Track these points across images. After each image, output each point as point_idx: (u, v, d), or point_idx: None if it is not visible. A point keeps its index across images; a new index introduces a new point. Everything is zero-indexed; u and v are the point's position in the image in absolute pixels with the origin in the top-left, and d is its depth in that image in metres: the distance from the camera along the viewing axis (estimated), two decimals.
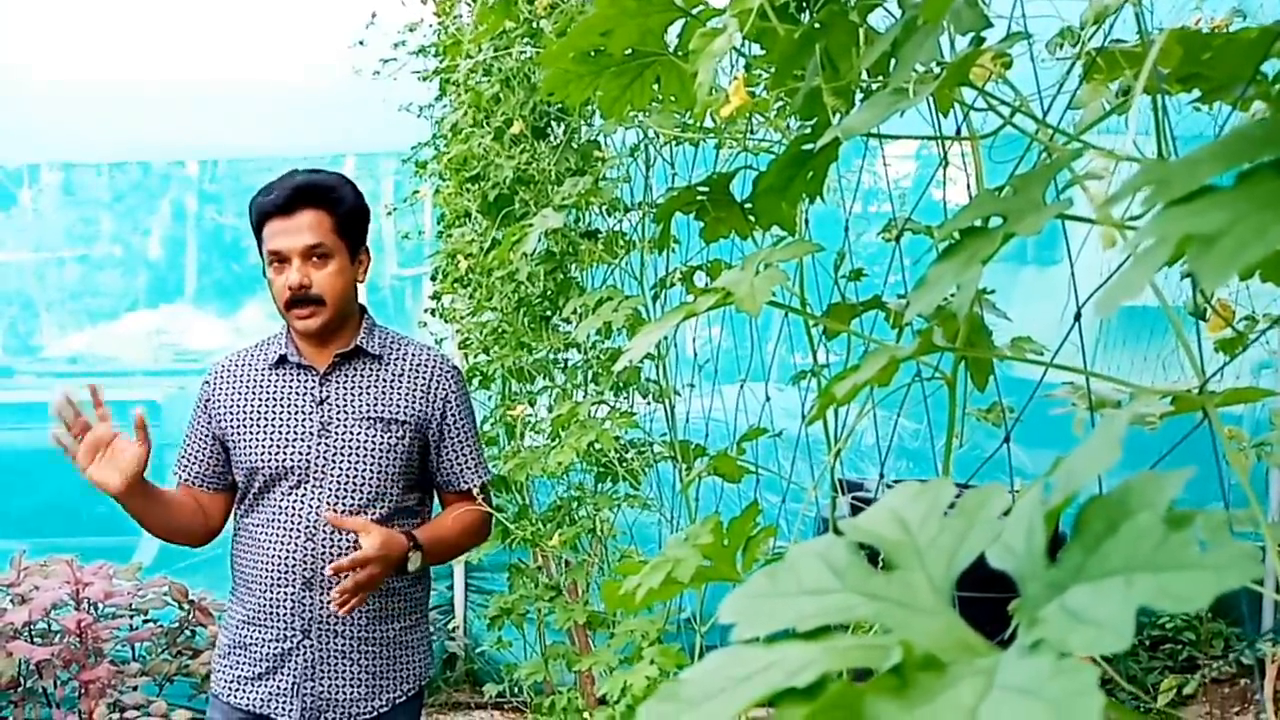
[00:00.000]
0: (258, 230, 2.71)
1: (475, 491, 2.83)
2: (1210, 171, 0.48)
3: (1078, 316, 1.12)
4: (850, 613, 0.55)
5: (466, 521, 2.80)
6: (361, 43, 4.53)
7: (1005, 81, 0.99)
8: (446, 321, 4.41)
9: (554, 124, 2.69)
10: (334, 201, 2.68)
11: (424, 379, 2.78)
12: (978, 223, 0.84)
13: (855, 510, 1.61)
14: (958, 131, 1.13)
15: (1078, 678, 0.42)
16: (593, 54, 1.32)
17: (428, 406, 2.77)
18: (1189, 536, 0.44)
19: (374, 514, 2.70)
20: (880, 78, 1.13)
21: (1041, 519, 0.51)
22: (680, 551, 1.18)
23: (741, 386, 2.26)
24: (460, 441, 2.81)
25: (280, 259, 2.66)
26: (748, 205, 1.33)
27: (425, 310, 4.69)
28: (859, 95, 1.16)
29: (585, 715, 3.02)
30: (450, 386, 2.81)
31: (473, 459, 2.83)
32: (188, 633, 4.96)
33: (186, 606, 4.91)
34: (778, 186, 1.17)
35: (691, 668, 0.56)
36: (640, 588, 1.17)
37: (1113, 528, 0.47)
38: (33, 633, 4.63)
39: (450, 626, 5.94)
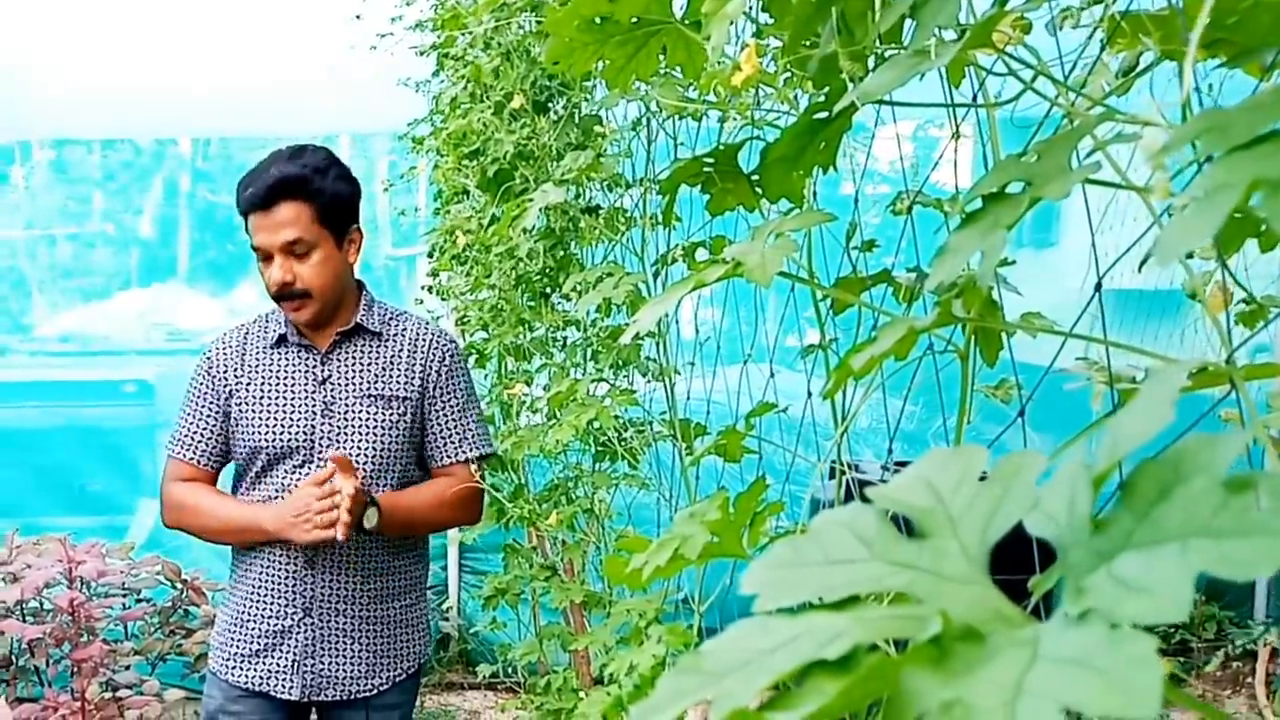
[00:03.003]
0: (244, 218, 2.69)
1: (460, 465, 2.81)
2: (1271, 117, 0.46)
3: (1098, 287, 1.10)
4: (880, 583, 0.53)
5: (443, 492, 2.78)
6: (358, 17, 4.49)
7: (1026, 47, 0.97)
8: (443, 299, 4.38)
9: (555, 98, 2.66)
10: (313, 192, 2.63)
11: (421, 353, 2.77)
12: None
13: (850, 491, 1.59)
14: (974, 99, 1.11)
15: (1135, 647, 0.39)
16: (598, 22, 1.29)
17: (425, 381, 2.76)
18: (1250, 501, 0.42)
19: (378, 490, 2.69)
20: (894, 45, 1.10)
21: (1085, 485, 0.49)
22: (688, 528, 1.16)
23: (745, 364, 2.23)
24: (447, 415, 2.79)
25: (263, 255, 2.65)
26: (755, 177, 1.31)
27: (422, 287, 4.66)
28: (872, 64, 1.14)
29: (581, 695, 3.00)
30: (442, 358, 2.79)
31: (458, 433, 2.80)
32: (181, 612, 4.94)
33: (179, 586, 4.89)
34: (790, 156, 1.15)
35: (713, 639, 0.54)
36: (648, 565, 1.15)
37: (1165, 493, 0.45)
38: (25, 611, 4.61)
39: (444, 607, 5.93)
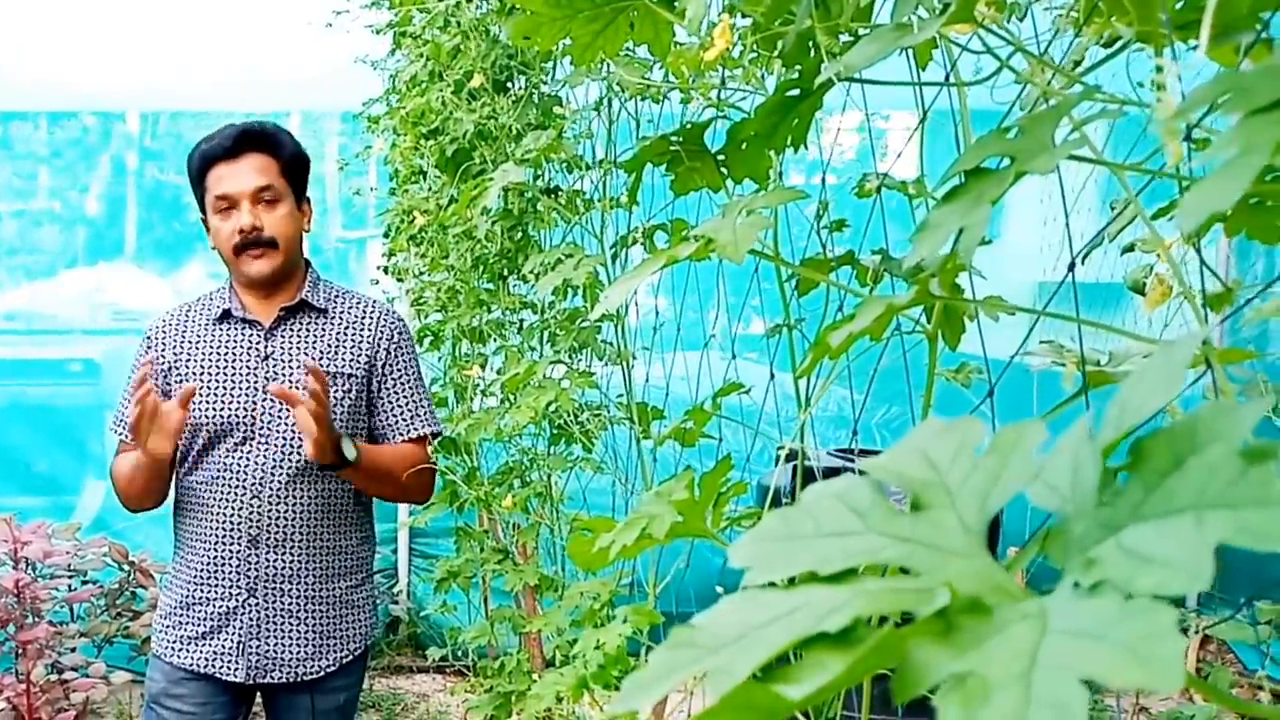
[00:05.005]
0: (200, 178, 2.66)
1: (413, 442, 2.80)
2: None
3: (1071, 266, 1.10)
4: (876, 555, 0.52)
5: (407, 455, 2.75)
6: None
7: (1003, 26, 0.96)
8: (399, 280, 4.35)
9: (514, 78, 2.64)
10: (278, 146, 2.66)
11: (369, 330, 2.75)
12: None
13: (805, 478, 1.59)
14: (946, 78, 1.10)
15: (1153, 619, 0.39)
16: None
17: (372, 357, 2.74)
18: (1269, 470, 0.41)
19: (318, 470, 2.66)
20: (864, 25, 1.10)
21: (1090, 454, 0.49)
22: (655, 508, 1.16)
23: (705, 348, 2.23)
24: (399, 390, 2.77)
25: (229, 203, 2.62)
26: (720, 157, 1.30)
27: (378, 268, 4.63)
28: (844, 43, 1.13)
29: (534, 677, 2.99)
30: (392, 336, 2.78)
31: (410, 410, 2.79)
32: (128, 594, 4.89)
33: (127, 567, 4.85)
34: (762, 134, 1.14)
35: (705, 613, 0.53)
36: (615, 545, 1.14)
37: (1179, 462, 0.44)
38: None
39: (394, 590, 5.91)
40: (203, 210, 2.71)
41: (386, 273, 4.44)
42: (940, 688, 0.41)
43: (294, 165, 2.70)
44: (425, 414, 2.82)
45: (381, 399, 2.77)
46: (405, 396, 2.78)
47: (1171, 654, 0.37)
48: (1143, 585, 0.41)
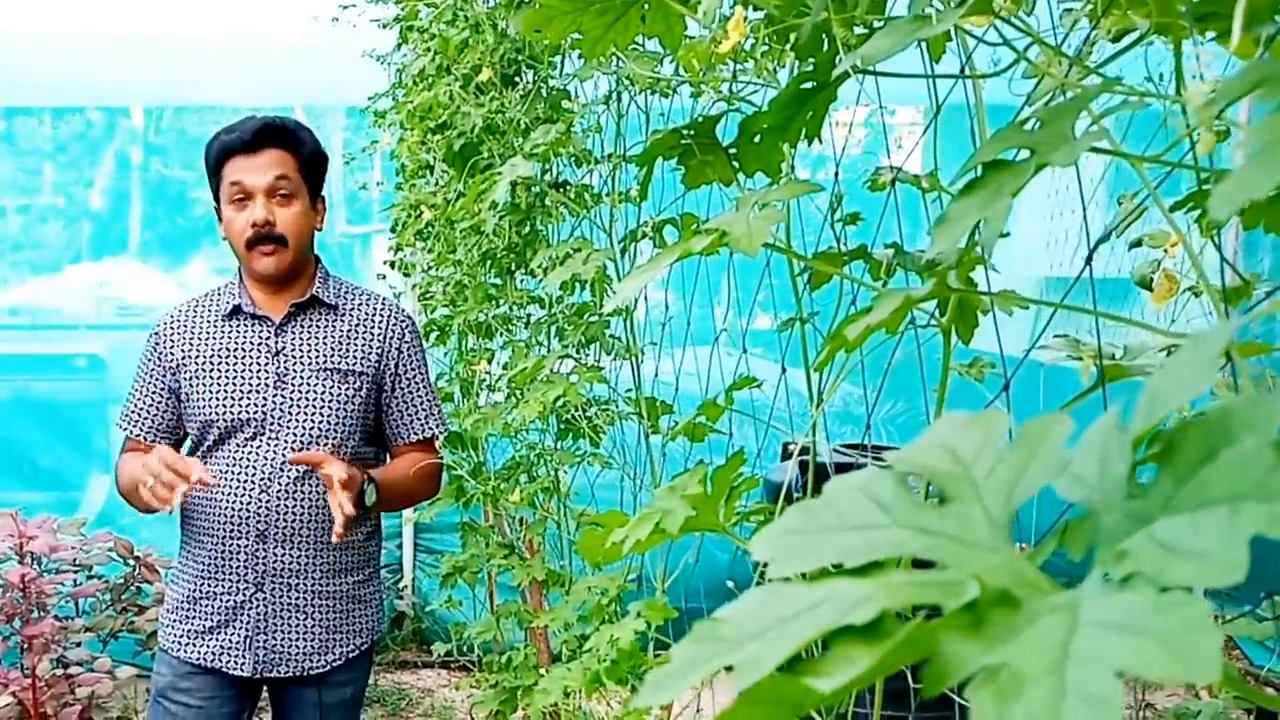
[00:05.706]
0: (217, 169, 2.65)
1: (426, 442, 2.82)
2: None
3: (1088, 260, 1.10)
4: (901, 548, 0.52)
5: (421, 470, 2.76)
6: None
7: (1019, 18, 0.96)
8: (406, 275, 4.35)
9: (522, 72, 2.64)
10: (297, 142, 2.66)
11: (379, 328, 2.75)
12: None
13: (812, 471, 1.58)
14: (961, 70, 1.10)
15: (1189, 611, 0.38)
16: None
17: (383, 356, 2.74)
18: None
19: None
20: (879, 17, 1.09)
21: (1120, 445, 0.48)
22: (669, 502, 1.15)
23: (716, 342, 2.22)
24: (412, 391, 2.78)
25: (244, 194, 2.61)
26: (732, 151, 1.29)
27: (385, 263, 4.62)
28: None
29: (541, 672, 3.00)
30: (404, 335, 2.78)
31: (424, 409, 2.81)
32: (133, 589, 4.89)
33: (132, 562, 4.85)
34: (777, 127, 1.14)
35: (728, 606, 0.52)
36: (628, 539, 1.14)
37: (1211, 455, 0.44)
38: None
39: (399, 585, 5.90)
40: (216, 200, 2.71)
41: (394, 267, 4.43)
42: (971, 681, 0.41)
43: (312, 163, 2.69)
44: (434, 415, 2.84)
45: (394, 400, 2.77)
46: (416, 400, 2.79)
47: (1210, 646, 0.37)
48: (1176, 577, 0.41)
